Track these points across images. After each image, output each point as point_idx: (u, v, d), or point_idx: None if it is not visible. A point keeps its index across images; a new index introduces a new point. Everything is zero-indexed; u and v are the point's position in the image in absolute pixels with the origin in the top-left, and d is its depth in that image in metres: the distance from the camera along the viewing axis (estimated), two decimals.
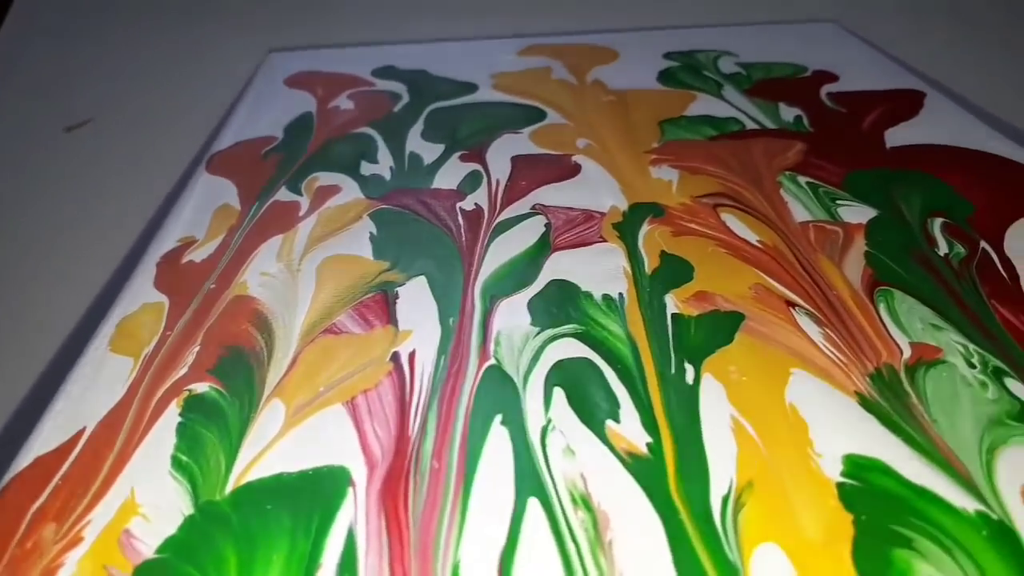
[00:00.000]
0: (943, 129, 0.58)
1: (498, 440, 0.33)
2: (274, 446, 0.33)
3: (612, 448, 0.32)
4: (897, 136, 0.57)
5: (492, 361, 0.37)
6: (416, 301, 0.42)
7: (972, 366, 0.35)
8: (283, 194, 0.53)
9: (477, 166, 0.55)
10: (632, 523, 0.29)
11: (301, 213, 0.50)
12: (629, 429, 0.33)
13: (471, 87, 0.68)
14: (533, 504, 0.30)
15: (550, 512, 0.30)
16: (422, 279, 0.43)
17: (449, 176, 0.54)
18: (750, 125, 0.59)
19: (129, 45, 0.81)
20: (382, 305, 0.41)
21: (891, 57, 0.72)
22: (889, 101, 0.62)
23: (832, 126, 0.59)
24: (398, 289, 0.43)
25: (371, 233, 0.48)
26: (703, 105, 0.63)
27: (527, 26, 0.82)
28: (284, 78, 0.72)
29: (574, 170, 0.54)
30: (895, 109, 0.61)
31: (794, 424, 0.33)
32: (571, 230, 0.47)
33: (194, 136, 0.64)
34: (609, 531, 0.29)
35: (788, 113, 0.61)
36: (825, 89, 0.65)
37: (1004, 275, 0.42)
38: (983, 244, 0.44)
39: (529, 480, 0.31)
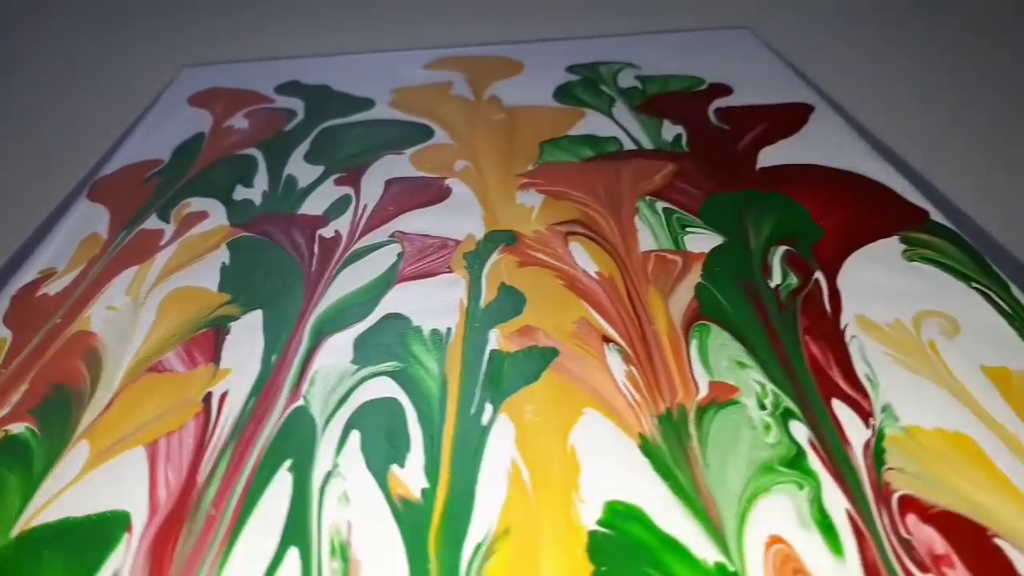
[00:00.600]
0: (822, 146, 0.58)
1: (281, 486, 0.34)
2: (69, 489, 0.34)
3: (388, 494, 0.33)
4: (772, 155, 0.57)
5: (300, 403, 0.38)
6: (246, 337, 0.42)
7: (763, 407, 0.36)
8: (152, 222, 0.53)
9: (349, 190, 0.56)
10: (382, 574, 0.30)
11: (163, 242, 0.51)
12: (411, 474, 0.34)
13: (368, 103, 0.69)
14: (292, 554, 0.31)
15: (307, 562, 0.31)
16: (259, 313, 0.44)
17: (320, 200, 0.55)
18: (629, 145, 0.60)
19: (40, 55, 0.81)
20: (211, 341, 0.42)
21: (793, 68, 0.72)
22: (774, 117, 0.62)
23: (710, 145, 0.59)
24: (232, 324, 0.43)
25: (223, 263, 0.48)
26: (590, 123, 0.63)
27: (443, 37, 0.82)
28: (188, 96, 0.73)
29: (444, 194, 0.55)
30: (777, 126, 0.61)
31: (568, 468, 0.34)
32: (422, 260, 0.48)
33: (90, 156, 0.65)
34: None
35: (670, 131, 0.61)
36: (715, 104, 0.65)
37: (827, 308, 0.42)
38: (818, 275, 0.44)
39: (297, 528, 0.32)
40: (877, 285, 0.43)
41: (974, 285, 0.43)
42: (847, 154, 0.56)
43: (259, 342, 0.42)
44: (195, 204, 0.55)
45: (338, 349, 0.41)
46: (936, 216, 0.49)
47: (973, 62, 0.76)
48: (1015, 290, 0.43)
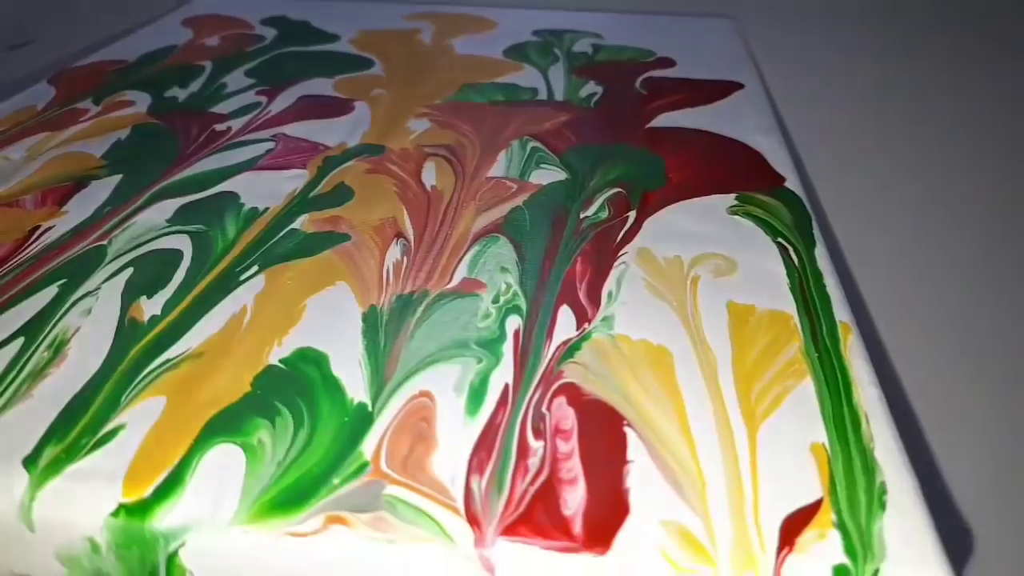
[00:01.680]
0: (725, 118, 0.58)
1: (44, 296, 0.38)
2: None
3: (123, 314, 0.37)
4: (668, 119, 0.58)
5: (105, 243, 0.42)
6: (97, 192, 0.47)
7: (496, 301, 0.38)
8: (86, 104, 0.59)
9: (264, 99, 0.60)
10: (78, 368, 0.34)
11: (83, 118, 0.57)
12: (153, 304, 0.38)
13: (333, 38, 0.74)
14: (17, 342, 0.35)
15: (25, 349, 0.35)
16: (119, 176, 0.49)
17: (234, 104, 0.59)
18: (543, 97, 0.62)
19: None
20: (67, 191, 0.47)
21: (752, 57, 0.72)
22: (696, 90, 0.63)
23: (616, 107, 0.60)
24: (93, 182, 0.48)
25: (119, 139, 0.54)
26: (521, 76, 0.66)
27: None
28: (184, 17, 0.79)
29: (343, 112, 0.58)
30: (693, 97, 0.62)
31: (288, 320, 0.37)
32: (285, 156, 0.52)
33: (75, 53, 0.72)
34: (55, 368, 0.34)
35: (588, 90, 0.63)
36: (647, 74, 0.66)
37: (617, 240, 0.43)
38: (632, 214, 0.46)
39: (33, 325, 0.36)
40: (682, 229, 0.44)
41: (779, 240, 0.43)
42: (745, 127, 0.57)
43: (103, 197, 0.47)
44: (130, 95, 0.61)
45: (163, 210, 0.45)
46: (791, 184, 0.49)
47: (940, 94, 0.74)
48: (819, 250, 0.43)
